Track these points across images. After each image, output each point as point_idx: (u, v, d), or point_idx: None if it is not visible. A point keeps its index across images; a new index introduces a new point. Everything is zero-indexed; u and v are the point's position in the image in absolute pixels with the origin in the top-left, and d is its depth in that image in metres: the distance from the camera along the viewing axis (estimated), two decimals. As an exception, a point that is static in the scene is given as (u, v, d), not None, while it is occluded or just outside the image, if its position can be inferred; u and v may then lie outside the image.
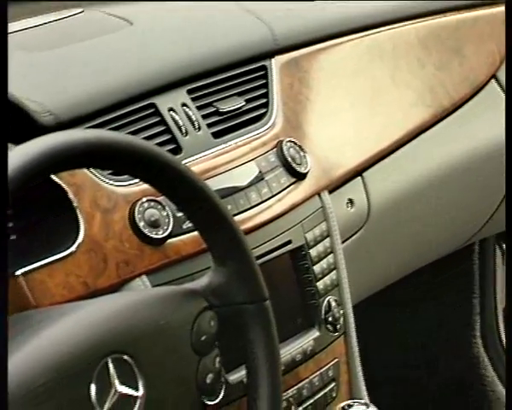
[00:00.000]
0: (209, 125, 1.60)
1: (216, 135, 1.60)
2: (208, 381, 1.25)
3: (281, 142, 1.64)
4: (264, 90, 1.71)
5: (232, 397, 1.47)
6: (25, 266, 1.35)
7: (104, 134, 1.25)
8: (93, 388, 1.14)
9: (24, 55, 1.62)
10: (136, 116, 1.54)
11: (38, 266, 1.35)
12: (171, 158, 1.25)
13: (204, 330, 1.25)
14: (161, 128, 1.55)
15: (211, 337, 1.26)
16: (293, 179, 1.63)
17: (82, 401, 1.13)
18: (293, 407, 1.54)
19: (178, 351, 1.23)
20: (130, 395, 1.17)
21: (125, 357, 1.17)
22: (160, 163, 1.22)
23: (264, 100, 1.69)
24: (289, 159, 1.63)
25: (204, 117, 1.60)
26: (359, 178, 1.81)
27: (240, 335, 1.31)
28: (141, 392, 1.18)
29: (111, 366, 1.16)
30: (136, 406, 1.17)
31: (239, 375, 1.47)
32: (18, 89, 1.39)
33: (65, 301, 1.35)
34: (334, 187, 1.73)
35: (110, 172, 1.46)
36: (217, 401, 1.43)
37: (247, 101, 1.67)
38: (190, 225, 1.45)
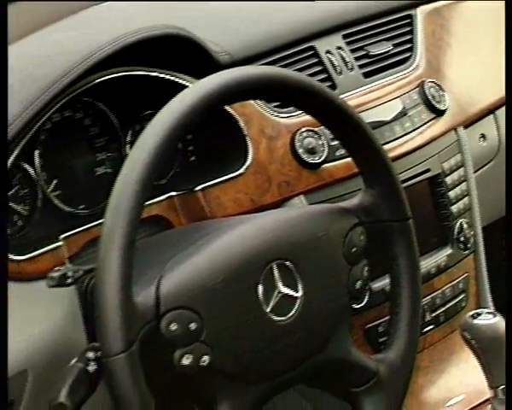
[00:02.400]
0: (360, 66, 1.61)
1: (366, 75, 1.60)
2: (357, 287, 1.26)
3: (423, 82, 1.63)
4: (409, 36, 1.69)
5: (374, 303, 1.48)
6: (202, 184, 1.39)
7: (275, 70, 1.27)
8: (260, 288, 1.16)
9: (203, 5, 1.65)
10: (298, 57, 1.56)
11: (214, 183, 1.39)
12: (331, 92, 1.27)
13: (355, 243, 1.25)
14: (319, 68, 1.56)
15: (360, 249, 1.26)
16: (433, 115, 1.63)
17: (251, 299, 1.16)
18: (427, 314, 1.55)
19: (333, 260, 1.24)
20: (291, 296, 1.18)
21: (287, 263, 1.19)
22: (322, 97, 1.23)
23: (409, 45, 1.68)
24: (430, 97, 1.62)
25: (356, 59, 1.61)
26: (491, 115, 1.78)
27: (385, 248, 1.31)
28: (300, 293, 1.19)
29: (275, 270, 1.18)
30: (296, 305, 1.19)
31: (381, 284, 1.49)
32: (200, 32, 1.42)
33: (235, 213, 1.38)
34: (468, 123, 1.71)
35: (275, 104, 1.48)
36: (361, 305, 1.46)
37: (394, 45, 1.66)
38: (343, 152, 1.47)
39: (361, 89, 1.58)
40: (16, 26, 1.48)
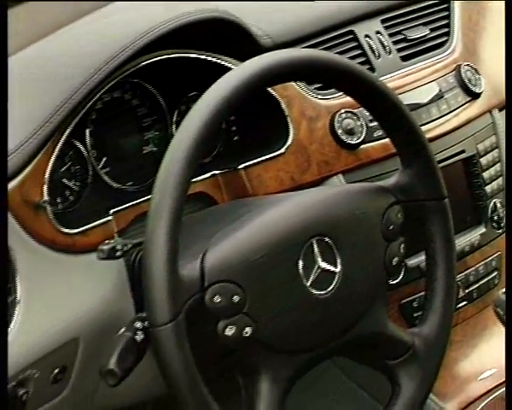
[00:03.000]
0: (398, 50, 1.60)
1: (403, 59, 1.60)
2: (393, 263, 1.26)
3: (459, 65, 1.62)
4: (446, 21, 1.68)
5: (409, 279, 1.48)
6: (245, 162, 1.39)
7: (317, 52, 1.27)
8: (300, 263, 1.17)
9: None
10: (337, 41, 1.55)
11: (256, 162, 1.40)
12: (371, 75, 1.26)
13: (392, 221, 1.25)
14: (358, 52, 1.56)
15: (397, 227, 1.26)
16: (469, 98, 1.62)
17: (292, 273, 1.16)
18: (460, 290, 1.55)
19: (370, 237, 1.24)
20: (330, 271, 1.19)
21: (327, 239, 1.19)
22: (362, 79, 1.23)
23: (446, 29, 1.67)
24: (466, 80, 1.61)
25: (394, 43, 1.60)
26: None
27: (421, 227, 1.31)
28: (339, 268, 1.20)
29: (315, 246, 1.18)
30: (335, 280, 1.19)
31: (416, 260, 1.49)
32: (243, 16, 1.43)
33: (276, 191, 1.39)
34: (503, 106, 1.69)
35: (316, 86, 1.48)
36: (397, 281, 1.46)
37: (431, 30, 1.65)
38: (380, 133, 1.47)
39: (399, 72, 1.57)
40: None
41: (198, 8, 1.37)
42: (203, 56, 1.39)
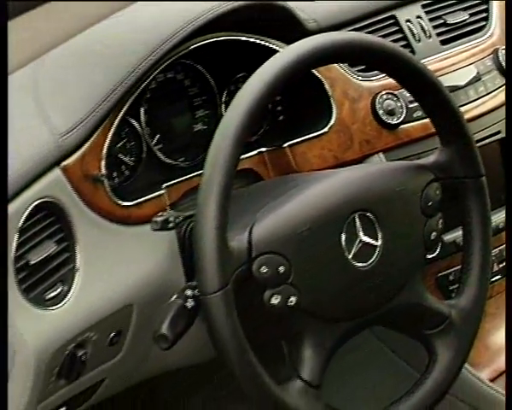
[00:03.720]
0: (438, 34, 1.59)
1: (443, 42, 1.59)
2: (432, 238, 1.25)
3: (497, 49, 1.61)
4: (484, 7, 1.67)
5: (446, 253, 1.48)
6: (290, 141, 1.39)
7: (362, 35, 1.27)
8: (343, 236, 1.17)
9: None
10: (380, 26, 1.55)
11: (300, 140, 1.40)
12: (412, 57, 1.25)
13: (431, 198, 1.24)
14: (399, 36, 1.55)
15: (436, 204, 1.25)
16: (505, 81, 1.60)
17: (335, 246, 1.16)
18: (495, 265, 1.54)
19: (410, 212, 1.23)
20: (371, 244, 1.19)
21: (369, 214, 1.19)
22: (404, 61, 1.22)
23: (485, 14, 1.66)
24: (503, 63, 1.59)
25: (434, 27, 1.59)
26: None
27: (459, 203, 1.30)
28: (380, 242, 1.19)
29: (357, 220, 1.18)
30: (376, 253, 1.19)
31: (452, 236, 1.48)
32: (290, 2, 1.43)
33: (319, 168, 1.39)
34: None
35: (358, 69, 1.47)
36: (434, 255, 1.46)
37: (470, 15, 1.64)
38: (420, 114, 1.46)
39: (438, 55, 1.56)
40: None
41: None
42: (252, 39, 1.38)
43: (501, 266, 1.55)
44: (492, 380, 1.45)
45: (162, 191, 1.29)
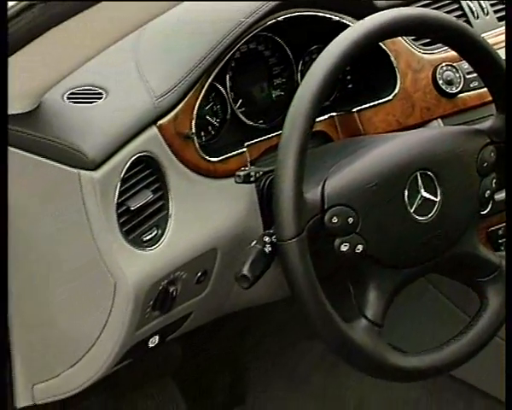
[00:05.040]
0: (495, 12, 1.54)
1: (499, 19, 1.53)
2: (485, 196, 1.22)
3: None
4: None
5: (496, 210, 1.44)
6: (358, 106, 1.37)
7: (429, 11, 1.23)
8: (406, 192, 1.15)
9: None
10: (442, 3, 1.50)
11: (367, 106, 1.37)
12: (474, 31, 1.22)
13: (486, 159, 1.21)
14: (459, 13, 1.50)
15: (490, 165, 1.22)
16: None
17: (398, 200, 1.14)
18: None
19: (467, 172, 1.20)
20: (431, 200, 1.16)
21: (429, 173, 1.16)
22: (467, 35, 1.19)
23: None
24: None
25: (491, 5, 1.54)
26: None
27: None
28: (439, 198, 1.17)
29: (419, 178, 1.16)
30: (435, 207, 1.16)
31: (502, 195, 1.43)
32: None
33: (384, 132, 1.36)
34: None
35: (420, 42, 1.44)
36: (486, 211, 1.42)
37: (525, -6, 1.58)
38: (476, 84, 1.43)
39: (495, 31, 1.51)
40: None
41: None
42: (326, 15, 1.36)
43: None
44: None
45: (244, 149, 1.28)
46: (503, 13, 1.53)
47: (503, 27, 1.51)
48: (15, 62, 1.04)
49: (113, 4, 0.99)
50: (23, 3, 1.03)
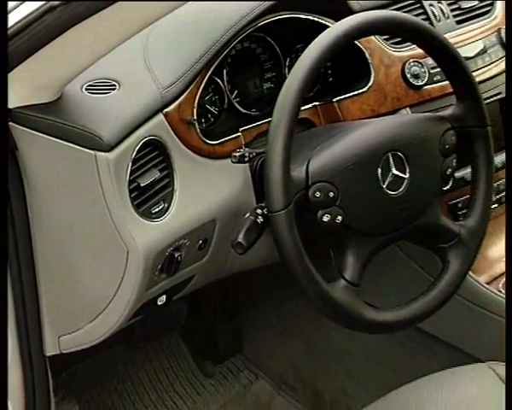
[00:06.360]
0: (454, 16, 1.50)
1: (458, 22, 1.49)
2: (447, 173, 1.19)
3: (499, 28, 1.51)
4: (490, -5, 1.58)
5: (456, 186, 1.42)
6: (338, 97, 1.34)
7: (399, 14, 1.19)
8: (379, 170, 1.12)
9: None
10: (409, 8, 1.46)
11: (346, 97, 1.34)
12: (437, 31, 1.19)
13: (447, 142, 1.19)
14: (424, 17, 1.46)
15: (451, 147, 1.19)
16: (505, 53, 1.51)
17: (373, 177, 1.12)
18: (493, 195, 1.47)
19: (431, 153, 1.18)
20: (401, 177, 1.14)
21: (399, 153, 1.14)
22: (431, 35, 1.17)
23: (490, 1, 1.56)
24: (504, 39, 1.51)
25: (451, 10, 1.50)
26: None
27: (469, 147, 1.24)
28: (407, 175, 1.15)
29: (390, 158, 1.13)
30: (404, 183, 1.14)
31: (461, 173, 1.42)
32: None
33: (360, 119, 1.33)
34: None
35: (392, 41, 1.40)
36: (447, 187, 1.40)
37: (480, 1, 1.54)
38: (439, 77, 1.40)
39: (453, 32, 1.47)
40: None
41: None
42: (309, 17, 1.32)
43: (498, 196, 1.48)
44: (488, 283, 1.40)
45: (239, 134, 1.25)
46: (461, 17, 1.50)
47: (462, 29, 1.48)
48: (40, 58, 1.02)
49: (125, 5, 0.97)
50: (46, 6, 1.00)
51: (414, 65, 1.40)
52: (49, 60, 1.03)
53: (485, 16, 1.54)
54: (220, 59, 1.23)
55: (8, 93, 1.01)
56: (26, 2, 1.00)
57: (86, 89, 1.14)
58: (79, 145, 1.07)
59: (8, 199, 1.11)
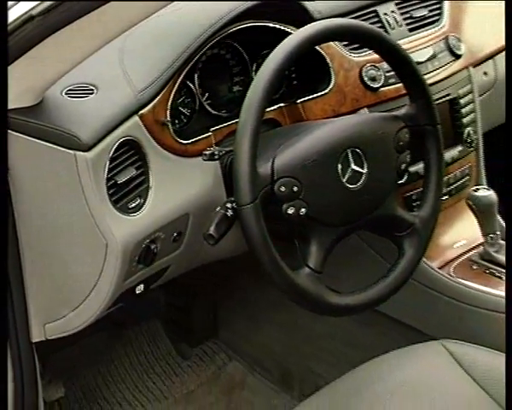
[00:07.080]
0: (406, 24, 1.49)
1: (410, 30, 1.49)
2: (402, 168, 1.19)
3: (447, 36, 1.51)
4: (439, 5, 1.56)
5: (411, 180, 1.42)
6: (301, 98, 1.32)
7: (356, 22, 1.19)
8: (339, 166, 1.11)
9: None
10: (365, 17, 1.45)
11: (309, 98, 1.33)
12: (390, 38, 1.18)
13: (401, 139, 1.18)
14: (379, 25, 1.45)
15: (405, 144, 1.19)
16: (453, 58, 1.50)
17: (333, 173, 1.11)
18: (444, 188, 1.47)
19: (387, 149, 1.17)
20: (359, 172, 1.13)
21: (358, 150, 1.13)
22: (385, 41, 1.16)
23: (439, 11, 1.56)
24: (451, 46, 1.50)
25: (403, 19, 1.49)
26: (491, 59, 1.65)
27: (421, 144, 1.23)
28: (365, 170, 1.14)
29: (349, 154, 1.12)
30: (362, 178, 1.13)
31: (415, 168, 1.41)
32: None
33: (322, 118, 1.32)
34: (476, 64, 1.58)
35: (350, 47, 1.39)
36: (403, 181, 1.39)
37: (429, 11, 1.54)
38: (394, 80, 1.39)
39: (406, 39, 1.46)
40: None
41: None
42: (275, 25, 1.31)
43: (448, 189, 1.48)
44: (440, 268, 1.40)
45: (210, 134, 1.23)
46: (413, 25, 1.49)
47: (413, 36, 1.48)
48: (21, 64, 0.99)
49: (103, 10, 0.94)
50: (26, 15, 0.97)
51: (371, 69, 1.39)
52: (30, 66, 1.00)
53: (435, 25, 1.53)
54: (191, 64, 1.21)
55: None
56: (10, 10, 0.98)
57: (66, 93, 1.12)
58: (60, 146, 1.05)
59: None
